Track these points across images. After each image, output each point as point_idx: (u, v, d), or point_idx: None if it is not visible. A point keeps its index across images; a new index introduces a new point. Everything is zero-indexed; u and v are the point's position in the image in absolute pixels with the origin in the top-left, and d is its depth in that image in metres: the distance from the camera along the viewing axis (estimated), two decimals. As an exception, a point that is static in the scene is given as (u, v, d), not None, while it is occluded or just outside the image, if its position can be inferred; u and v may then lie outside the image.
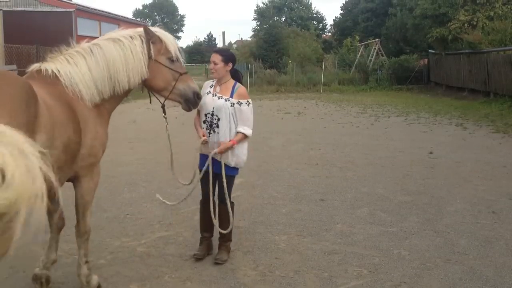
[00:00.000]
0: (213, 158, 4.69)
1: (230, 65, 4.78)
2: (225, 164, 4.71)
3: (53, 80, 3.68)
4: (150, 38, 4.06)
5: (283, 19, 59.82)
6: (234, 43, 79.39)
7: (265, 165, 9.40)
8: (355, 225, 5.97)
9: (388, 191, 7.50)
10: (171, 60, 4.12)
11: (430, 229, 5.81)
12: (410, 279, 4.51)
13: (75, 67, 3.79)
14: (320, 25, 61.92)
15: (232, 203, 4.83)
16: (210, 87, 4.86)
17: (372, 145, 11.66)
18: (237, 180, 7.99)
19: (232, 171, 4.83)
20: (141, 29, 4.12)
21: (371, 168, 9.11)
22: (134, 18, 60.69)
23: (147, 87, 4.26)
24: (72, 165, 3.64)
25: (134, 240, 5.43)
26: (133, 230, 5.73)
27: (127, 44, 3.98)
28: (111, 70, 3.91)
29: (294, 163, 9.56)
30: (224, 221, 4.81)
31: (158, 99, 4.35)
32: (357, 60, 34.20)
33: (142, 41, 4.05)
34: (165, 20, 77.58)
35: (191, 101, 4.27)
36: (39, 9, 30.00)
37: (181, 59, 4.23)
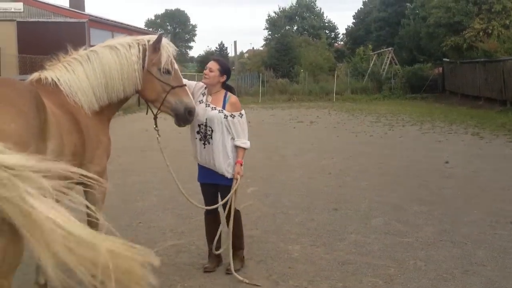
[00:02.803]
0: (216, 172, 4.64)
1: (225, 77, 4.70)
2: (223, 176, 4.65)
3: (54, 89, 3.67)
4: (149, 48, 3.98)
5: (295, 28, 59.90)
6: (246, 52, 79.73)
7: (277, 174, 9.34)
8: (369, 235, 5.87)
9: (403, 201, 7.39)
10: (163, 71, 4.01)
11: (447, 240, 5.69)
12: (426, 291, 4.41)
13: (73, 74, 3.77)
14: (332, 34, 61.89)
15: (237, 211, 4.81)
16: (203, 95, 4.72)
17: (386, 154, 11.54)
18: (249, 189, 8.00)
19: (231, 181, 4.72)
20: (141, 37, 4.07)
21: (385, 178, 9.00)
22: (146, 28, 61.23)
23: (142, 97, 4.20)
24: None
25: (147, 248, 5.38)
26: (145, 238, 5.70)
27: (123, 52, 3.93)
28: (107, 78, 3.87)
29: (306, 172, 9.49)
30: (232, 230, 4.75)
31: (151, 110, 4.28)
32: (370, 69, 34.10)
33: (140, 50, 3.99)
34: (177, 30, 78.16)
35: (181, 117, 4.14)
36: (52, 20, 30.36)
37: (175, 72, 4.10)
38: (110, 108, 4.05)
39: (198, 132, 4.65)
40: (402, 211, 6.86)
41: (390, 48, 35.46)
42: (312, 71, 36.32)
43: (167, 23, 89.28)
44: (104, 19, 34.04)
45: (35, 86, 3.62)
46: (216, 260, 4.86)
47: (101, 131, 3.94)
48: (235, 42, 42.49)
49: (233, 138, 4.64)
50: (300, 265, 4.95)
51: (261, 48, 62.78)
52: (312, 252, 5.30)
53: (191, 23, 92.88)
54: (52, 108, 3.28)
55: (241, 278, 4.54)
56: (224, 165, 4.60)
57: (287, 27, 59.37)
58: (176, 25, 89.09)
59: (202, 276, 4.68)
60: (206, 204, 4.82)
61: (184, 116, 4.13)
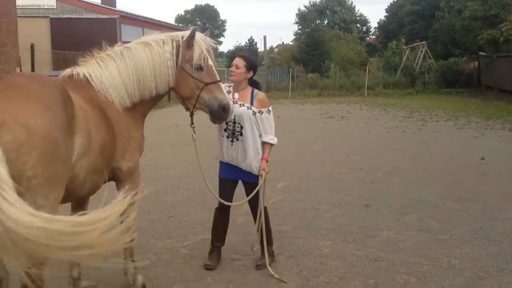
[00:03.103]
0: (240, 169, 4.61)
1: (251, 73, 4.66)
2: (250, 173, 4.62)
3: (85, 85, 3.68)
4: (182, 44, 3.91)
5: (326, 22, 59.39)
6: (276, 47, 79.53)
7: (307, 169, 9.28)
8: (402, 232, 5.77)
9: (438, 197, 7.23)
10: (195, 68, 3.92)
11: (483, 238, 5.54)
12: (461, 289, 4.31)
13: (106, 70, 3.76)
14: (364, 28, 61.10)
15: (265, 207, 4.78)
16: (228, 93, 4.55)
17: (420, 150, 11.32)
18: (279, 185, 7.97)
19: (257, 178, 4.68)
20: (176, 34, 4.01)
21: (418, 174, 8.83)
22: (176, 24, 61.74)
23: (177, 94, 4.15)
24: (108, 168, 3.63)
25: (178, 242, 5.44)
26: (177, 232, 5.75)
27: (156, 49, 3.88)
28: (139, 74, 3.84)
29: (337, 168, 9.40)
30: (261, 227, 4.73)
31: (188, 107, 4.18)
32: (403, 63, 33.48)
33: (173, 46, 3.92)
34: (207, 25, 78.51)
35: (215, 114, 4.02)
36: (84, 16, 30.96)
37: (209, 68, 3.97)
38: (144, 105, 4.02)
39: (225, 130, 4.61)
40: (436, 208, 6.72)
41: (424, 42, 34.71)
42: (343, 66, 35.90)
43: (197, 19, 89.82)
44: (135, 15, 34.52)
45: (66, 81, 3.68)
46: (217, 257, 4.81)
47: (134, 127, 3.92)
48: (264, 37, 42.44)
49: (260, 135, 4.62)
50: (331, 261, 4.91)
51: (291, 43, 62.50)
52: (343, 248, 5.25)
53: (220, 18, 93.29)
54: (81, 103, 3.31)
55: (273, 272, 4.54)
56: (254, 161, 4.57)
57: (317, 21, 58.93)
58: (206, 20, 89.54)
59: (233, 270, 4.69)
60: (220, 198, 4.73)
61: (218, 113, 4.01)
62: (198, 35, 3.98)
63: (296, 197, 7.27)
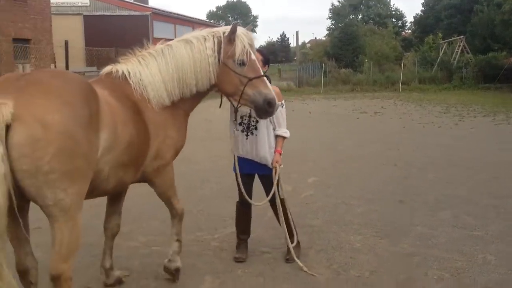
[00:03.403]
0: (256, 162, 4.60)
1: (267, 67, 4.63)
2: (265, 166, 4.62)
3: (121, 82, 3.68)
4: (224, 39, 3.84)
5: (360, 17, 58.61)
6: (308, 42, 79.04)
7: (339, 164, 9.18)
8: (436, 227, 5.64)
9: (473, 193, 7.04)
10: (238, 63, 3.82)
11: (520, 234, 5.36)
12: (496, 285, 4.20)
13: (146, 68, 3.75)
14: (399, 22, 60.03)
15: (282, 199, 4.73)
16: None
17: (456, 145, 11.04)
18: (310, 179, 7.92)
19: (271, 170, 4.67)
20: (217, 29, 3.95)
21: (454, 170, 8.61)
22: (207, 20, 62.07)
23: (220, 91, 4.07)
24: (138, 166, 3.62)
25: (208, 235, 5.47)
26: (206, 225, 5.78)
27: (197, 46, 3.83)
28: (180, 72, 3.80)
29: (370, 163, 9.26)
30: (281, 220, 4.72)
31: (232, 104, 4.10)
32: (440, 58, 32.72)
33: (214, 42, 3.86)
34: (238, 21, 78.55)
35: (261, 109, 3.89)
36: (117, 13, 31.50)
37: (252, 63, 3.87)
38: (185, 103, 3.96)
39: (240, 124, 4.61)
40: (471, 204, 6.54)
41: (461, 36, 33.84)
42: (377, 61, 35.37)
43: (229, 15, 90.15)
44: (167, 11, 34.91)
45: (103, 78, 3.73)
46: (245, 250, 4.84)
47: (172, 126, 3.87)
48: (297, 32, 42.28)
49: (274, 128, 4.63)
50: (362, 255, 4.85)
51: (324, 38, 61.97)
52: (374, 243, 5.17)
53: (252, 14, 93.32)
54: (109, 99, 3.32)
55: (302, 265, 4.52)
56: (269, 154, 4.59)
57: (351, 16, 58.26)
58: (238, 16, 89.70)
59: (262, 263, 4.69)
60: (239, 194, 4.74)
61: (264, 108, 3.87)
62: (240, 30, 3.89)
63: (327, 192, 7.20)
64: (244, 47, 3.81)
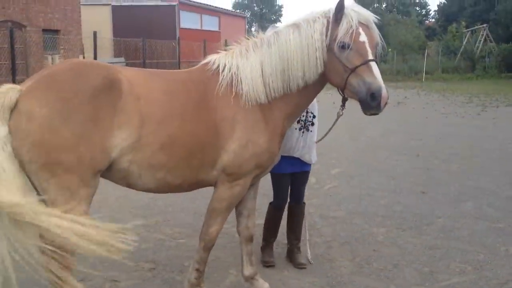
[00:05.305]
0: (298, 159, 4.29)
1: None
2: (304, 162, 4.36)
3: (207, 75, 3.36)
4: (331, 19, 3.23)
5: (384, 6, 57.79)
6: (332, 31, 77.89)
7: (362, 155, 9.24)
8: (458, 219, 5.69)
9: (496, 185, 7.04)
10: (340, 46, 3.16)
11: (544, 228, 5.38)
12: (519, 279, 4.24)
13: (246, 60, 3.35)
14: (423, 11, 59.05)
15: (303, 203, 4.63)
16: None
17: (479, 136, 10.98)
18: (334, 171, 8.00)
19: (309, 167, 4.48)
20: (332, 8, 3.28)
21: (477, 161, 8.60)
22: (233, 10, 61.95)
23: (329, 82, 3.42)
24: (195, 168, 3.26)
25: (233, 227, 5.54)
26: (232, 217, 5.84)
27: (305, 30, 3.27)
28: (285, 63, 3.30)
29: (393, 154, 9.30)
30: (298, 223, 4.62)
31: (341, 94, 3.40)
32: (463, 47, 32.23)
33: (324, 24, 3.27)
34: (264, 11, 78.14)
35: (364, 103, 3.14)
36: (144, 3, 31.70)
37: (359, 46, 3.15)
38: (286, 103, 3.42)
39: (298, 121, 4.18)
40: (494, 195, 6.56)
41: (485, 25, 33.24)
42: (401, 50, 34.98)
43: (254, 4, 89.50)
44: (193, 1, 34.97)
45: (190, 70, 3.51)
46: (272, 252, 4.65)
47: (260, 130, 3.34)
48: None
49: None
50: (385, 248, 4.92)
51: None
52: (398, 236, 5.24)
53: (277, 3, 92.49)
54: (149, 94, 3.08)
55: (310, 257, 4.56)
56: (314, 151, 4.43)
57: (375, 5, 57.40)
58: (263, 6, 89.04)
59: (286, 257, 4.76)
60: (278, 197, 4.48)
61: (366, 101, 3.11)
62: (350, 6, 3.24)
63: (351, 183, 7.28)
64: (351, 27, 3.14)
